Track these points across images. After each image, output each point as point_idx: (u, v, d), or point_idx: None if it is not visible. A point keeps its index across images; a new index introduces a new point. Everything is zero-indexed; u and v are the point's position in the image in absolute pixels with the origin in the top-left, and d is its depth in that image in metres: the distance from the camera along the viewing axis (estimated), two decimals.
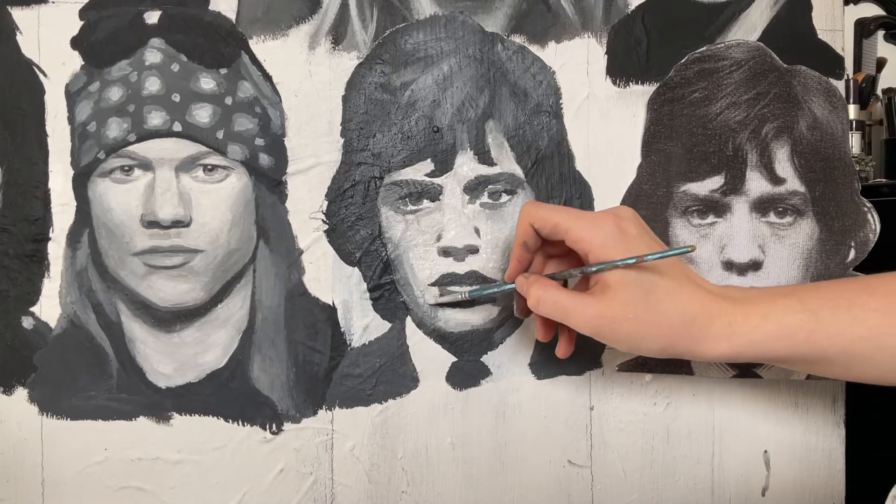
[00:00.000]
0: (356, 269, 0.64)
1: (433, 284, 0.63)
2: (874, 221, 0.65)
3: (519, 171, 0.64)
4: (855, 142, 0.65)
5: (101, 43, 0.62)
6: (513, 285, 0.57)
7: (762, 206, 0.64)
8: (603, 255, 0.50)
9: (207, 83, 0.62)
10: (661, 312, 0.48)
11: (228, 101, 0.62)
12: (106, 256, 0.63)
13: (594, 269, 0.50)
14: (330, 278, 0.64)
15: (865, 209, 0.65)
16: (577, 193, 0.65)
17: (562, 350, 0.58)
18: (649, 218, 0.65)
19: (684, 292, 0.49)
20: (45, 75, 0.62)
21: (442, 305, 0.64)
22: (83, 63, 0.62)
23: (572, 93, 0.65)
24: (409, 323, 0.65)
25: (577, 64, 0.65)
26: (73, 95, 0.62)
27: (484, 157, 0.64)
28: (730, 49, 0.65)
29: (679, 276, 0.50)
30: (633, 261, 0.49)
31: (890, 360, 0.49)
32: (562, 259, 0.58)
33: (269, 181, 0.63)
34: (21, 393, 0.63)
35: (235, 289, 0.64)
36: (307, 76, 0.64)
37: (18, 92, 0.62)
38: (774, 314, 0.49)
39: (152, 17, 0.62)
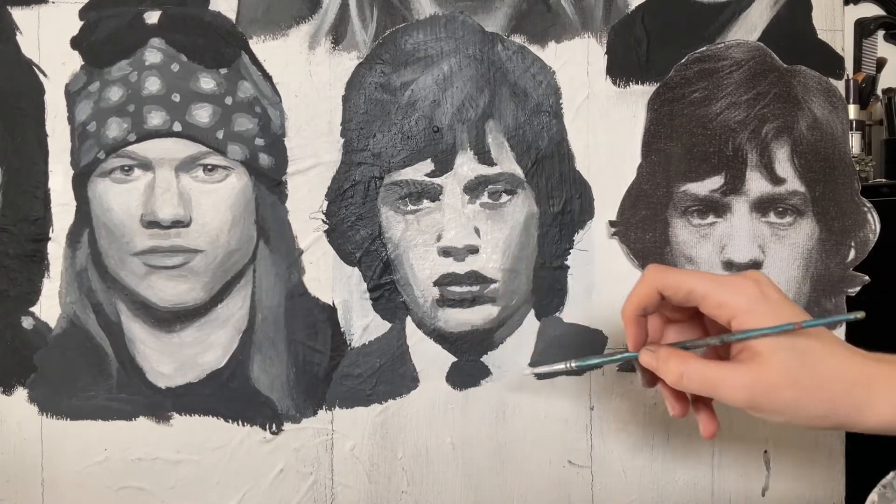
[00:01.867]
0: (356, 269, 0.64)
1: (435, 284, 0.63)
2: (874, 221, 0.65)
3: (519, 171, 0.64)
4: (855, 142, 0.65)
5: (101, 43, 0.62)
6: (633, 354, 0.51)
7: (762, 206, 0.64)
8: (750, 322, 0.46)
9: (207, 83, 0.62)
10: (821, 378, 0.45)
11: (228, 101, 0.62)
12: (106, 256, 0.63)
13: (742, 336, 0.46)
14: (330, 278, 0.64)
15: (865, 209, 0.65)
16: (577, 193, 0.65)
17: (707, 429, 0.51)
18: (650, 217, 0.65)
19: (841, 357, 0.46)
20: (45, 75, 0.62)
21: (540, 377, 0.62)
22: (83, 63, 0.62)
23: (572, 93, 0.65)
24: (409, 323, 0.65)
25: (577, 64, 0.65)
26: (73, 95, 0.62)
27: (484, 157, 0.64)
28: (730, 49, 0.65)
29: (830, 339, 0.47)
30: (791, 327, 0.45)
31: None
32: (684, 325, 0.53)
33: (270, 181, 0.63)
34: (21, 393, 0.63)
35: (235, 289, 0.64)
36: (307, 76, 0.64)
37: (18, 92, 0.62)
38: None
39: (152, 17, 0.62)
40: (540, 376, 0.63)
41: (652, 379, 0.51)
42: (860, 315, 0.46)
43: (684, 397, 0.52)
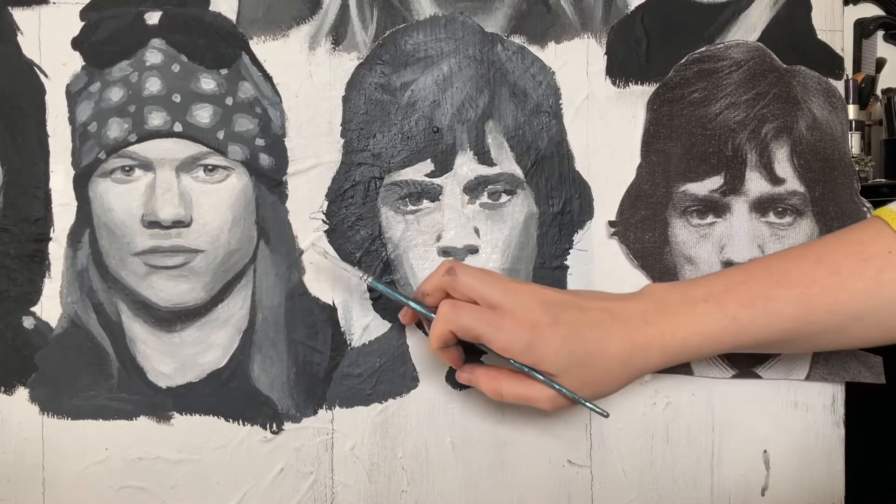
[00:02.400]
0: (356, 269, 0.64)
1: None
2: None
3: (519, 172, 0.64)
4: (854, 142, 0.65)
5: (101, 43, 0.62)
6: (419, 309, 0.58)
7: (762, 207, 0.65)
8: (527, 362, 0.54)
9: (208, 84, 0.62)
10: (604, 370, 0.53)
11: (229, 101, 0.62)
12: (107, 256, 0.63)
13: (530, 370, 0.55)
14: (330, 278, 0.64)
15: (865, 209, 0.65)
16: (577, 193, 0.65)
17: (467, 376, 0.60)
18: (649, 218, 0.65)
19: (615, 343, 0.53)
20: (45, 76, 0.63)
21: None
22: (84, 63, 0.62)
23: (572, 93, 0.65)
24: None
25: (576, 64, 0.65)
26: (73, 96, 0.63)
27: (484, 157, 0.64)
28: (729, 49, 0.65)
29: (601, 317, 0.54)
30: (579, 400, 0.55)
31: (808, 344, 0.55)
32: None
33: (270, 181, 0.64)
34: (22, 393, 0.63)
35: (236, 289, 0.64)
36: (307, 76, 0.64)
37: (19, 92, 0.63)
38: (698, 325, 0.53)
39: (153, 17, 0.62)
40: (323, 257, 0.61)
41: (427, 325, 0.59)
42: (605, 414, 0.56)
43: (459, 358, 0.59)
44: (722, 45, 0.66)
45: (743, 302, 0.52)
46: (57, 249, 0.63)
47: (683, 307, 0.54)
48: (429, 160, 0.63)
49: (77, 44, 0.63)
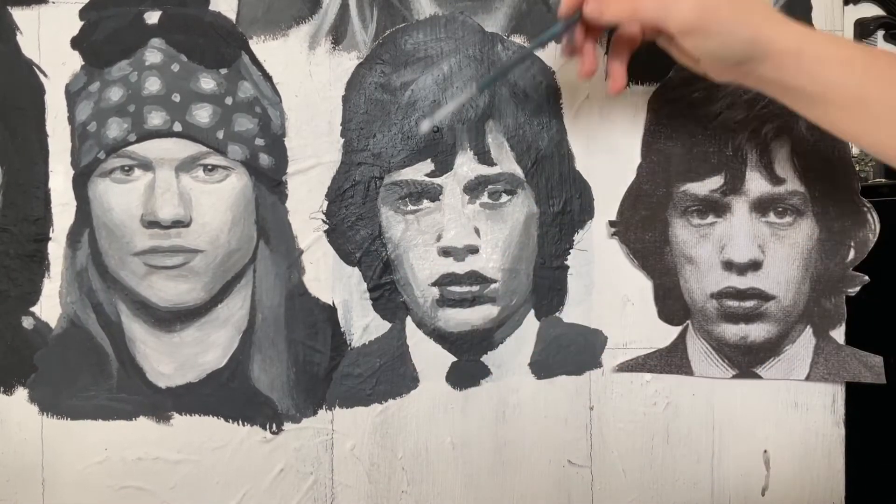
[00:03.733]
0: (356, 269, 0.64)
1: (433, 285, 0.63)
2: (874, 221, 0.65)
3: (519, 171, 0.64)
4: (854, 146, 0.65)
5: (101, 43, 0.62)
6: (562, 25, 0.54)
7: (762, 206, 0.64)
8: None
9: (207, 83, 0.62)
10: (753, 3, 0.50)
11: (228, 101, 0.62)
12: (106, 256, 0.63)
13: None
14: (330, 278, 0.64)
15: (865, 209, 0.65)
16: (577, 193, 0.65)
17: (617, 82, 0.57)
18: (649, 218, 0.65)
19: (754, 6, 0.51)
20: (45, 75, 0.63)
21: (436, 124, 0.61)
22: (83, 63, 0.62)
23: (572, 93, 0.65)
24: (409, 323, 0.65)
25: (577, 64, 0.65)
26: (73, 95, 0.62)
27: (484, 157, 0.64)
28: None
29: None
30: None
31: (862, 120, 0.50)
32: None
33: (270, 181, 0.63)
34: (21, 393, 0.63)
35: (235, 289, 0.64)
36: (307, 76, 0.64)
37: (19, 92, 0.62)
38: (838, 41, 0.51)
39: (152, 17, 0.62)
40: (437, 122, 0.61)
41: (581, 41, 0.55)
42: None
43: (595, 57, 0.56)
44: None
45: (876, 54, 0.51)
46: (56, 249, 0.63)
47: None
48: (429, 160, 0.63)
49: (76, 43, 0.62)
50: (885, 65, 0.49)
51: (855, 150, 0.68)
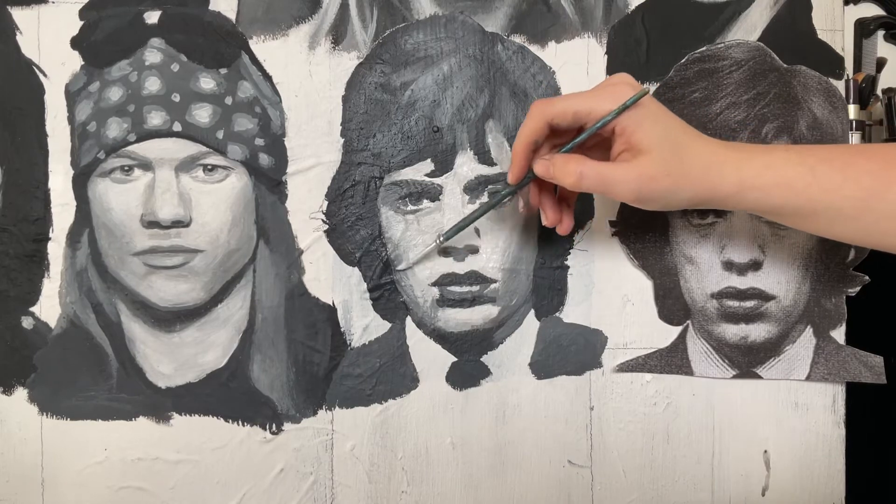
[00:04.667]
0: (356, 269, 0.64)
1: (433, 285, 0.63)
2: None
3: None
4: (855, 142, 0.65)
5: (100, 43, 0.62)
6: (514, 188, 0.58)
7: None
8: (630, 118, 0.53)
9: (207, 83, 0.62)
10: (689, 166, 0.53)
11: (228, 100, 0.62)
12: (106, 256, 0.63)
13: (602, 122, 0.53)
14: (330, 278, 0.64)
15: None
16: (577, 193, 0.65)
17: (565, 227, 0.59)
18: (649, 218, 0.65)
19: (701, 145, 0.54)
20: (45, 75, 0.62)
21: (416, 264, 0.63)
22: (83, 63, 0.62)
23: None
24: (409, 323, 0.65)
25: (577, 64, 0.65)
26: (73, 95, 0.62)
27: (484, 157, 0.64)
28: (730, 49, 0.65)
29: (691, 133, 0.55)
30: (632, 101, 0.52)
31: (874, 223, 0.52)
32: (554, 143, 0.58)
33: (270, 181, 0.63)
34: (21, 393, 0.63)
35: (235, 289, 0.64)
36: (307, 76, 0.64)
37: (18, 92, 0.62)
38: (775, 164, 0.53)
39: (152, 17, 0.62)
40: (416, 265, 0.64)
41: (533, 203, 0.59)
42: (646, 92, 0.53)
43: (558, 209, 0.59)
44: (722, 44, 0.66)
45: (822, 158, 0.52)
46: (56, 249, 0.63)
47: (765, 150, 0.54)
48: (429, 160, 0.63)
49: (76, 43, 0.62)
50: (825, 172, 0.52)
51: None
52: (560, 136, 0.57)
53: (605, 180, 0.53)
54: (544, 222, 0.59)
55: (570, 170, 0.54)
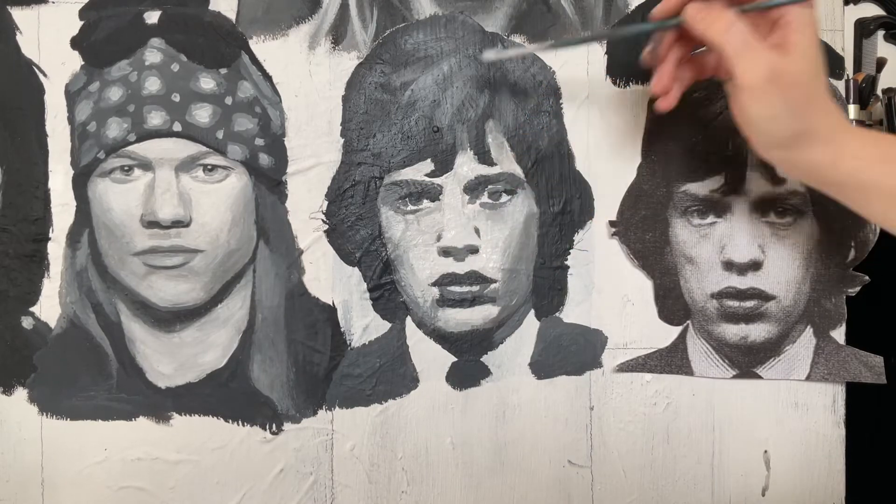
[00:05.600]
0: (356, 269, 0.64)
1: (433, 285, 0.63)
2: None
3: (519, 171, 0.64)
4: None
5: (100, 43, 0.62)
6: (653, 25, 0.54)
7: (762, 206, 0.64)
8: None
9: (207, 83, 0.62)
10: (815, 96, 0.50)
11: (228, 100, 0.62)
12: (106, 256, 0.63)
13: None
14: (330, 278, 0.64)
15: None
16: (578, 193, 0.65)
17: (669, 100, 0.56)
18: (649, 218, 0.65)
19: (830, 95, 0.51)
20: (45, 75, 0.62)
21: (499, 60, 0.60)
22: (83, 63, 0.62)
23: (572, 93, 0.65)
24: (409, 323, 0.65)
25: (577, 64, 0.65)
26: (72, 95, 0.62)
27: (484, 157, 0.64)
28: None
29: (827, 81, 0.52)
30: None
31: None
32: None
33: (269, 181, 0.63)
34: (21, 393, 0.63)
35: (235, 289, 0.64)
36: (307, 76, 0.64)
37: (18, 92, 0.62)
38: (882, 143, 0.51)
39: (152, 17, 0.62)
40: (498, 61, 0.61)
41: (663, 52, 0.55)
42: None
43: (673, 78, 0.55)
44: None
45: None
46: (56, 249, 0.63)
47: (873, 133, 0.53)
48: (429, 160, 0.63)
49: (76, 43, 0.62)
50: None
51: None
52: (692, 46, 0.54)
53: (747, 44, 0.49)
54: (653, 87, 0.56)
55: (725, 15, 0.50)
